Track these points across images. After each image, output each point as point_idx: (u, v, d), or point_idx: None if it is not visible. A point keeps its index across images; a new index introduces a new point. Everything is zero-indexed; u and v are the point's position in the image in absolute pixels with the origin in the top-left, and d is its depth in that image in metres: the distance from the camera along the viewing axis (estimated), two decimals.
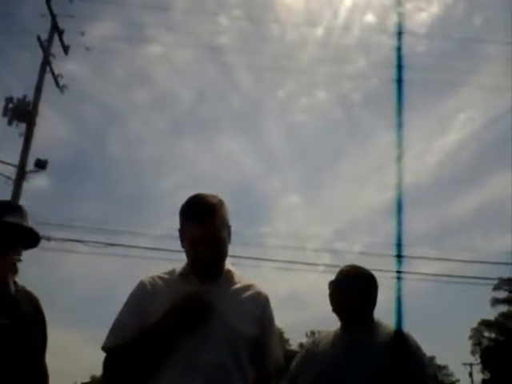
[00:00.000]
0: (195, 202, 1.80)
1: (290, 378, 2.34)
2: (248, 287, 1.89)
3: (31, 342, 2.00)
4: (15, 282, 2.02)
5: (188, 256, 1.82)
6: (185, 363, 1.68)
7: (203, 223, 1.75)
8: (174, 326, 1.68)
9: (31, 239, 2.00)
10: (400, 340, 2.24)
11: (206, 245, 1.75)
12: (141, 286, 1.85)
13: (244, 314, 1.81)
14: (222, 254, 1.83)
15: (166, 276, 1.88)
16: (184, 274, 1.84)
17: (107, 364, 1.76)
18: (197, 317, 1.69)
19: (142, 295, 1.82)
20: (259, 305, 1.88)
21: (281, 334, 36.63)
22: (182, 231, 1.83)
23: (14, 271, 1.97)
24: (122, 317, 1.81)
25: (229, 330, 1.73)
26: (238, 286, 1.87)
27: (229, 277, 1.87)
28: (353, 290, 2.29)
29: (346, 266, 2.40)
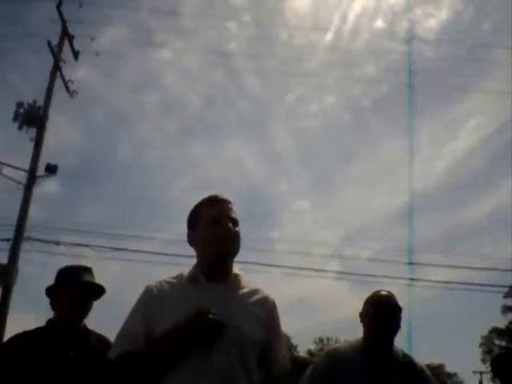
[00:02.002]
0: (211, 195, 1.91)
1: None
2: (255, 291, 1.89)
3: (91, 376, 2.29)
4: (85, 325, 2.52)
5: (202, 247, 1.85)
6: (193, 366, 1.66)
7: (222, 204, 1.87)
8: (184, 342, 1.66)
9: (100, 292, 2.56)
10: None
11: (226, 222, 1.82)
12: (147, 291, 1.84)
13: (252, 318, 1.80)
14: (238, 241, 1.87)
15: (173, 280, 1.86)
16: (193, 275, 1.83)
17: (115, 370, 1.76)
18: (207, 335, 1.66)
19: (149, 300, 1.81)
20: (267, 309, 1.88)
21: (289, 340, 36.48)
22: (194, 226, 1.87)
23: (85, 315, 2.51)
24: (128, 323, 1.80)
25: (237, 333, 1.72)
26: (245, 290, 1.86)
27: (236, 280, 1.86)
28: (390, 319, 2.51)
29: (384, 292, 2.61)
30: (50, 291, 2.51)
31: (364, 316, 2.57)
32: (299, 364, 2.57)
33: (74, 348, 2.37)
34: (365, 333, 2.55)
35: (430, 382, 2.56)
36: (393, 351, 2.53)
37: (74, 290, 2.44)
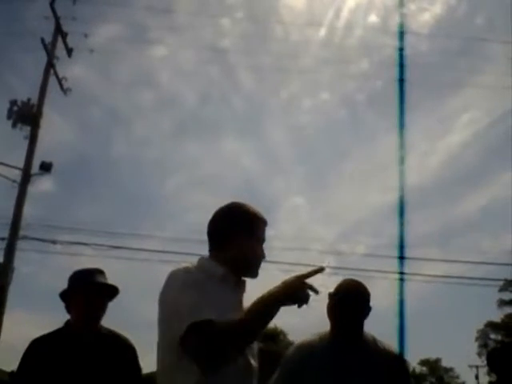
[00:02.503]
0: (265, 218, 2.00)
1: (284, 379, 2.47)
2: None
3: (110, 378, 2.43)
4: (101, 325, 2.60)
5: (245, 257, 1.89)
6: (239, 365, 1.72)
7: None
8: (284, 302, 1.65)
9: (113, 293, 2.64)
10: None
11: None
12: (193, 273, 1.80)
13: None
14: None
15: (197, 270, 1.84)
16: (226, 276, 1.86)
17: (212, 337, 1.59)
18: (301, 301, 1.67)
19: (202, 280, 1.76)
20: None
21: (285, 335, 36.59)
22: (248, 232, 1.92)
23: (102, 316, 2.60)
24: (204, 296, 1.68)
25: None
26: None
27: (246, 285, 1.97)
28: (355, 307, 2.45)
29: (349, 280, 2.57)
30: (65, 295, 2.57)
31: (328, 308, 2.50)
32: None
33: (95, 349, 2.46)
34: (331, 324, 2.50)
35: (402, 369, 2.49)
36: (362, 339, 2.47)
37: (91, 291, 2.52)
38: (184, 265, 1.87)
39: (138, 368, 2.62)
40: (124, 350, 2.58)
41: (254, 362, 1.82)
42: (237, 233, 1.91)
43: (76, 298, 2.53)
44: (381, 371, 2.36)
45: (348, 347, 2.43)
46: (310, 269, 1.70)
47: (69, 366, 2.37)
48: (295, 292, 1.64)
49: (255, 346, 1.88)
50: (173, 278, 1.78)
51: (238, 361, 1.71)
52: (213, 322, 1.59)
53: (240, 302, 1.88)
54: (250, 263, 1.92)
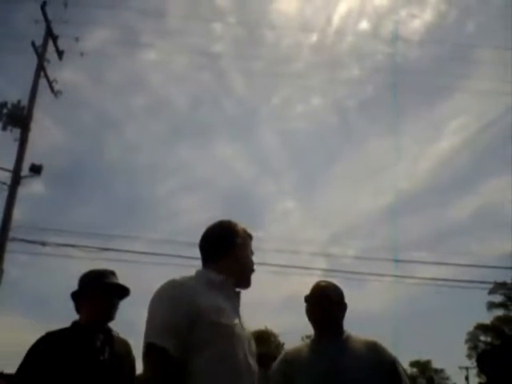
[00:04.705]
0: (242, 224, 2.17)
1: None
2: None
3: (120, 379, 2.48)
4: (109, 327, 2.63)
5: (240, 267, 2.04)
6: (235, 366, 1.77)
7: None
8: None
9: (125, 293, 2.68)
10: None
11: None
12: (178, 286, 1.83)
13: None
14: None
15: (195, 280, 1.91)
16: (224, 280, 1.95)
17: (159, 363, 1.69)
18: None
19: (186, 293, 1.79)
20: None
21: (276, 337, 36.58)
22: (243, 248, 2.08)
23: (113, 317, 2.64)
24: (168, 315, 1.74)
25: (250, 338, 1.96)
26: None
27: (240, 296, 2.06)
28: (327, 304, 2.55)
29: (321, 281, 2.67)
30: (76, 295, 2.61)
31: (306, 311, 2.62)
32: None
33: (105, 350, 2.48)
34: (312, 326, 2.60)
35: (388, 360, 2.47)
36: (344, 335, 2.52)
37: (109, 291, 2.59)
38: (182, 276, 1.91)
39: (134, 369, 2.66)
40: (129, 349, 2.64)
41: (253, 362, 1.88)
42: (232, 246, 2.05)
43: (92, 297, 2.56)
44: (366, 363, 2.39)
45: (331, 344, 2.48)
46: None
47: (84, 365, 2.37)
48: None
49: (254, 345, 1.97)
50: (157, 289, 1.85)
51: (238, 360, 1.78)
52: (161, 348, 1.69)
53: (236, 309, 1.96)
54: (246, 273, 2.07)
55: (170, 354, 1.68)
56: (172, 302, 1.76)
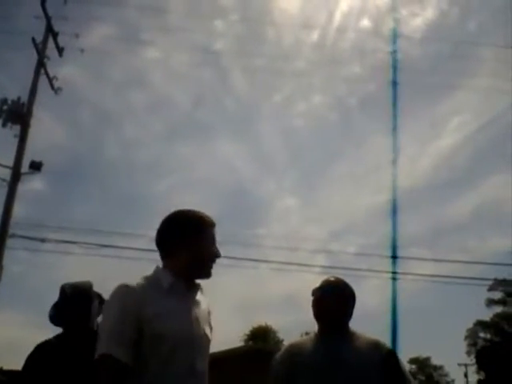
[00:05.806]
0: (212, 219, 2.08)
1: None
2: (203, 298, 2.08)
3: None
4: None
5: (197, 259, 1.97)
6: (178, 370, 1.79)
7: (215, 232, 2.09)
8: None
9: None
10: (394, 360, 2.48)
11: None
12: (128, 293, 1.83)
13: (208, 324, 2.04)
14: None
15: (147, 284, 1.90)
16: (174, 284, 1.92)
17: (111, 373, 1.72)
18: None
19: (138, 302, 1.80)
20: (209, 314, 2.11)
21: (275, 333, 36.62)
22: (199, 239, 2.00)
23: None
24: (119, 323, 1.77)
25: (207, 340, 1.98)
26: (202, 296, 2.07)
27: (201, 289, 2.06)
28: (336, 300, 2.53)
29: (331, 277, 2.66)
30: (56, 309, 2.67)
31: (313, 302, 2.60)
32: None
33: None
34: (316, 319, 2.57)
35: (391, 358, 2.47)
36: (349, 331, 2.52)
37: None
38: (138, 278, 1.92)
39: None
40: None
41: (200, 366, 1.88)
42: (184, 238, 1.99)
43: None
44: (369, 360, 2.39)
45: (335, 340, 2.47)
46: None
47: (79, 371, 2.36)
48: None
49: (207, 348, 1.97)
50: (110, 296, 1.86)
51: (180, 363, 1.79)
52: (112, 358, 1.71)
53: (191, 307, 1.94)
54: (201, 264, 2.00)
55: (122, 363, 1.71)
56: (121, 312, 1.78)
